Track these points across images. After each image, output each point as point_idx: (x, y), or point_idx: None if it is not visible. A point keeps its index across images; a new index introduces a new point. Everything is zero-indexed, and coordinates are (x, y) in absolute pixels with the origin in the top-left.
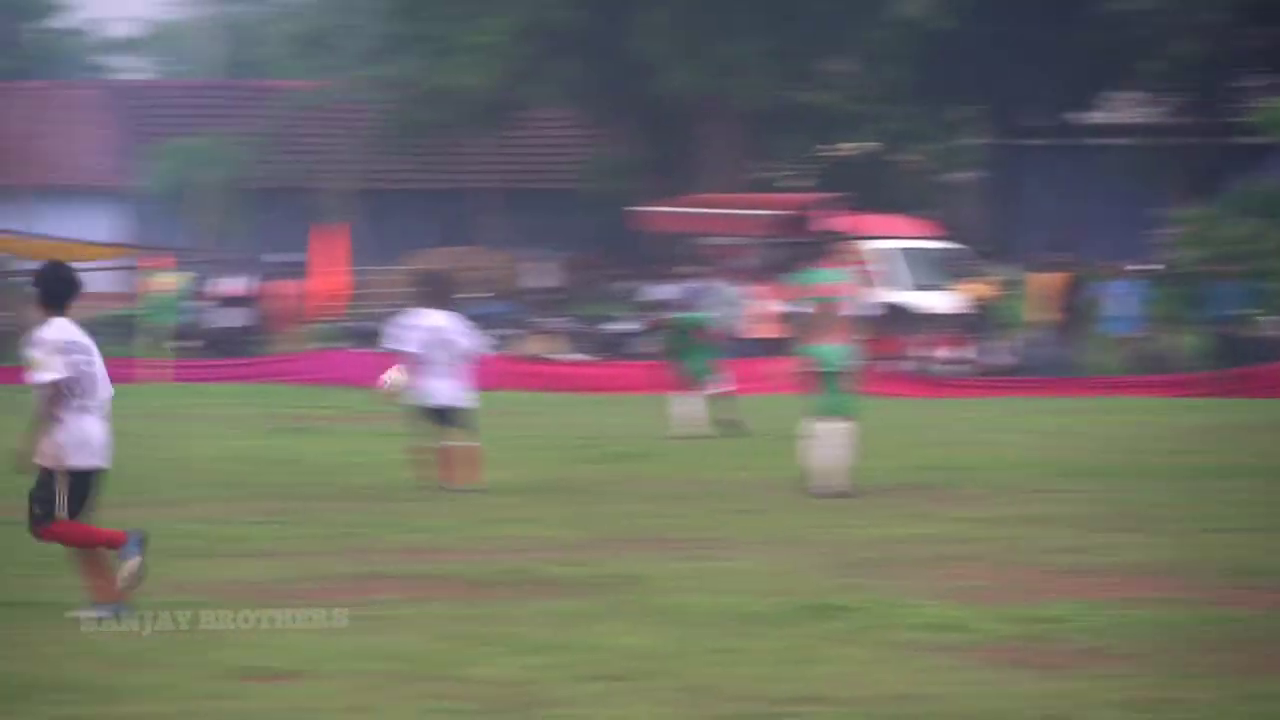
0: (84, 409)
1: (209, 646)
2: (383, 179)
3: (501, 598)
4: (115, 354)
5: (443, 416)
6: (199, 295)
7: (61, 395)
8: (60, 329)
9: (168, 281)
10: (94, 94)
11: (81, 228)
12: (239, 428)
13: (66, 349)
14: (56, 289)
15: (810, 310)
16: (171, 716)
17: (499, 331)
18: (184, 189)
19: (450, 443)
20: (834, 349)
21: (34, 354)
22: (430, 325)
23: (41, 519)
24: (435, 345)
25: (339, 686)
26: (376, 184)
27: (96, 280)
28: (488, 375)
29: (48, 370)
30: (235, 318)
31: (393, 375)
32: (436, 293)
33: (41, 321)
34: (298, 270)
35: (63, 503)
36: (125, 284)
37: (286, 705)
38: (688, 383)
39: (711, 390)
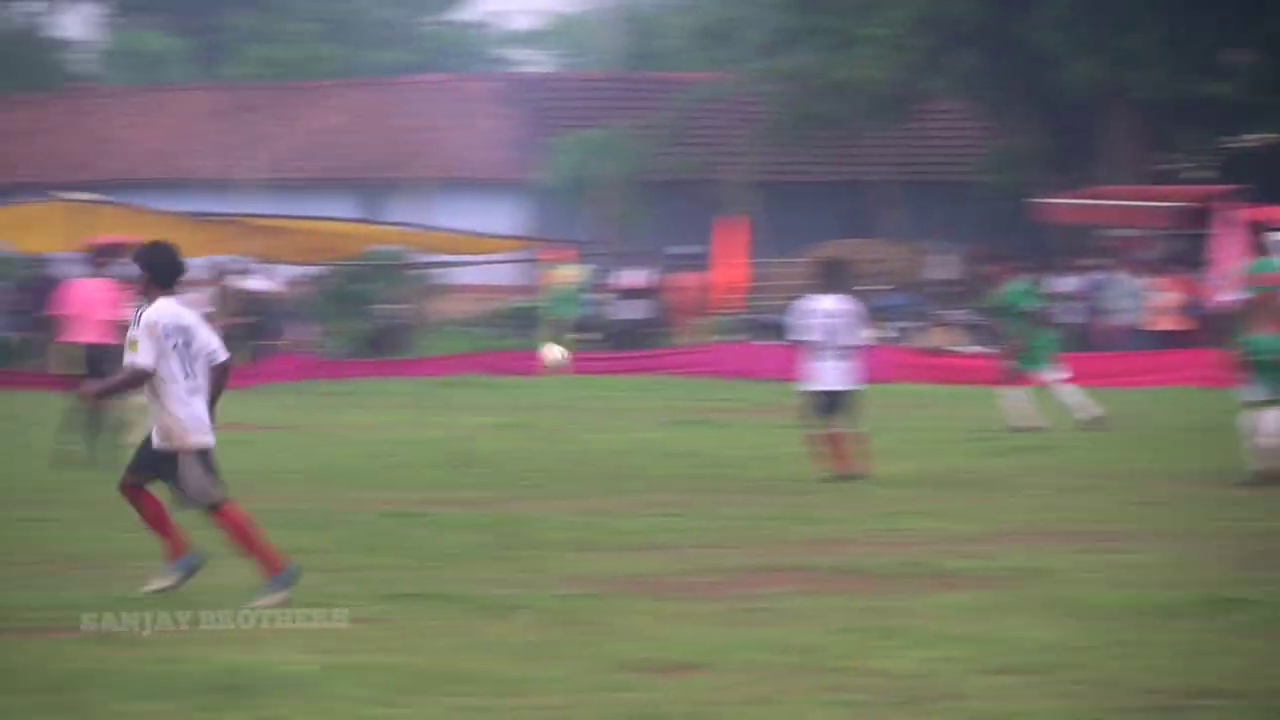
0: (196, 389)
1: (605, 638)
2: (781, 171)
3: (901, 590)
4: (516, 346)
5: (831, 401)
6: (600, 288)
7: (147, 380)
8: (163, 310)
9: (569, 274)
10: (494, 87)
11: (481, 220)
12: (638, 420)
13: (165, 334)
14: (163, 268)
15: (1250, 299)
16: (573, 708)
17: (899, 324)
18: (584, 181)
19: (838, 429)
20: (1274, 338)
21: (134, 335)
22: (822, 310)
23: (206, 505)
24: (825, 330)
25: (737, 679)
26: (775, 176)
27: (497, 273)
28: (888, 367)
29: (141, 356)
30: (636, 310)
31: (552, 351)
32: (831, 278)
33: (148, 301)
34: (699, 263)
35: (210, 480)
36: (526, 277)
37: (686, 697)
38: (1017, 371)
39: (1047, 380)
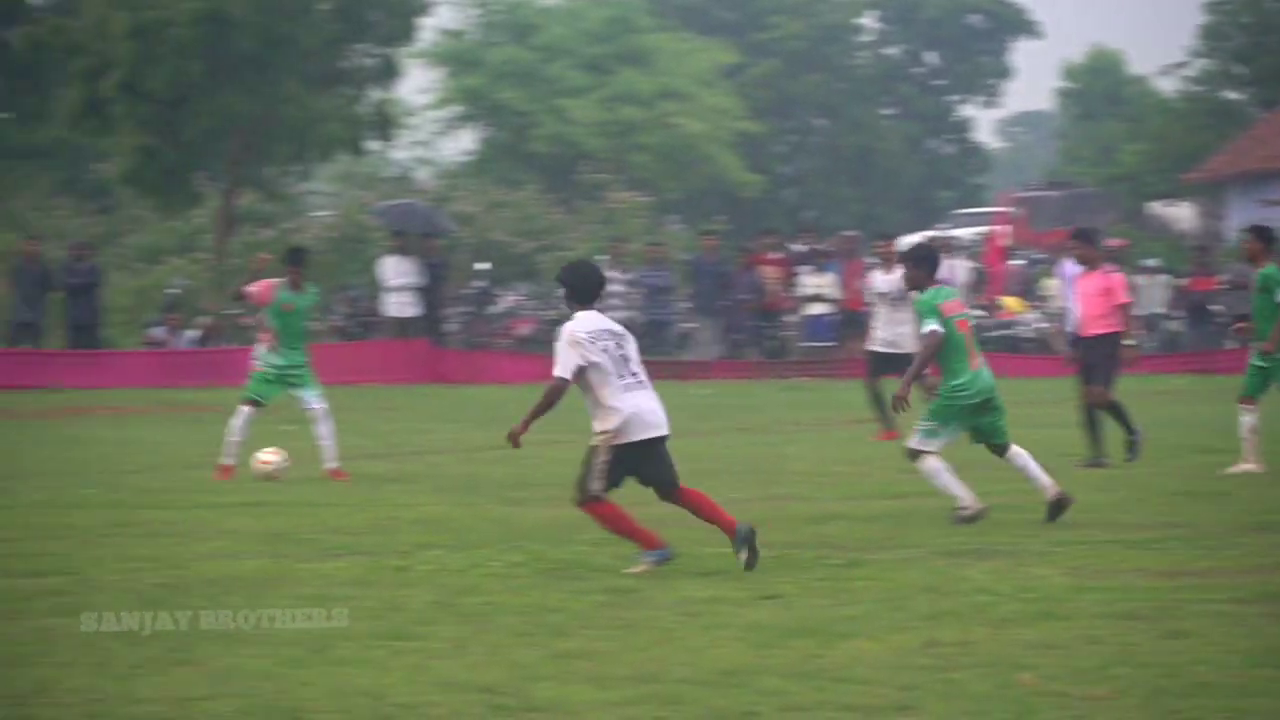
0: (628, 387)
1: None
2: None
3: None
4: None
5: None
6: None
7: (565, 387)
8: (585, 321)
9: None
10: None
11: None
12: None
13: (589, 340)
14: (582, 285)
15: None
16: None
17: None
18: None
19: None
20: None
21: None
22: None
23: (582, 495)
24: None
25: None
26: None
27: None
28: None
29: (560, 366)
30: None
31: None
32: None
33: (571, 315)
34: None
35: (596, 477)
36: None
37: None
38: None
39: None
